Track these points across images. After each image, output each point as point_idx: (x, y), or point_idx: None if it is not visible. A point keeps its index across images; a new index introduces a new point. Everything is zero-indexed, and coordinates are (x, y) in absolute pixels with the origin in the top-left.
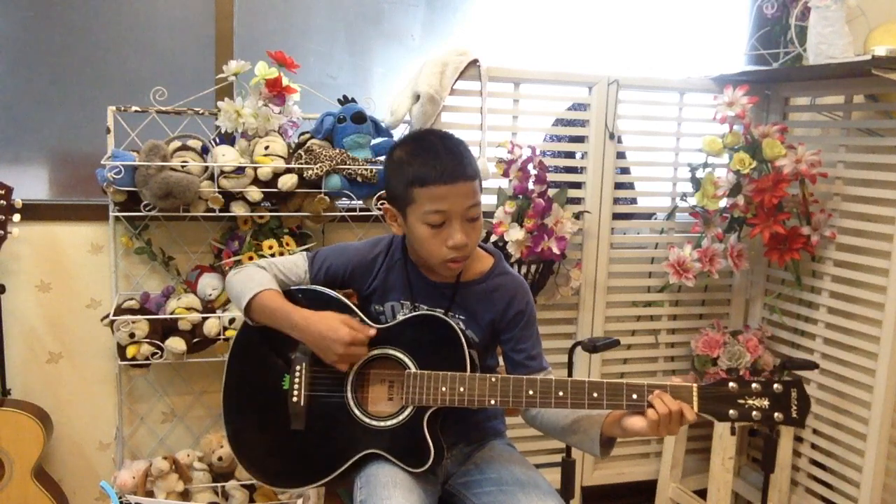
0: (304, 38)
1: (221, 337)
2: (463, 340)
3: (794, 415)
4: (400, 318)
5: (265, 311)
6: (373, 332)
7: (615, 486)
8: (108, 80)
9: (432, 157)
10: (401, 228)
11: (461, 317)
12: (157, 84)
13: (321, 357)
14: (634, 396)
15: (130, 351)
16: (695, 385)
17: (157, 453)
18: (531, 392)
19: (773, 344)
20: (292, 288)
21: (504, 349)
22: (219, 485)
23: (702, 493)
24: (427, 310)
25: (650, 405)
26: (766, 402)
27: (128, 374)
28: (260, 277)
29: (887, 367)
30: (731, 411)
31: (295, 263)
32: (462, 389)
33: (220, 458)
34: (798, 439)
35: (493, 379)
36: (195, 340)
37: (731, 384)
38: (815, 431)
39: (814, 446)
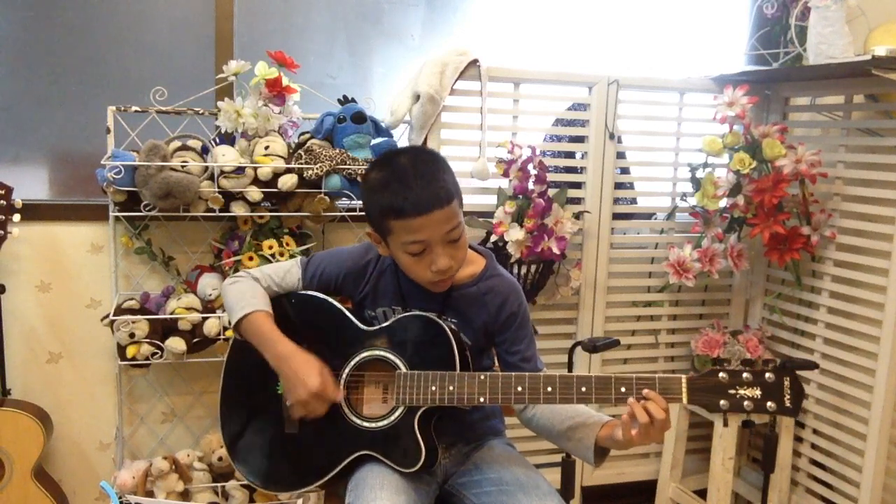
0: (304, 38)
1: (221, 337)
2: (452, 339)
3: (788, 403)
4: (391, 320)
5: (253, 332)
6: (340, 398)
7: (615, 486)
8: (108, 80)
9: (403, 186)
10: (385, 251)
11: (454, 320)
12: (157, 84)
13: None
14: (623, 389)
15: (130, 351)
16: (684, 377)
17: (157, 453)
18: (520, 388)
19: (773, 344)
20: (288, 293)
21: (498, 351)
22: (219, 485)
23: (702, 493)
24: (417, 310)
25: (631, 415)
26: (757, 392)
27: (128, 374)
28: (252, 295)
29: (887, 367)
30: (722, 402)
31: (288, 271)
32: (451, 388)
33: (220, 459)
34: (798, 439)
35: (483, 377)
36: (195, 340)
37: (721, 374)
38: (815, 431)
39: (814, 446)
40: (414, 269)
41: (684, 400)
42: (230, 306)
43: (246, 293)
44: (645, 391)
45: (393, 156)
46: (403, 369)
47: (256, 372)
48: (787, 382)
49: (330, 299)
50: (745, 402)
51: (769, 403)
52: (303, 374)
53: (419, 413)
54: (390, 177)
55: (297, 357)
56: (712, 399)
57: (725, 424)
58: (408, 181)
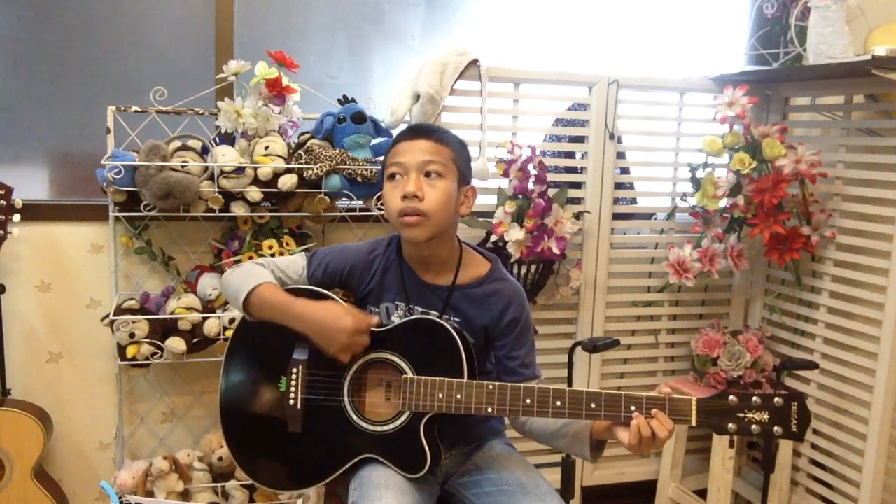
0: (304, 38)
1: (221, 337)
2: (461, 346)
3: (794, 429)
4: (396, 320)
5: (264, 304)
6: (375, 319)
7: (615, 486)
8: (108, 80)
9: (409, 128)
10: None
11: (455, 319)
12: (157, 84)
13: (323, 348)
14: (633, 408)
15: (130, 351)
16: (694, 398)
17: (157, 453)
18: (528, 401)
19: (773, 344)
20: (289, 287)
21: (497, 355)
22: (219, 485)
23: (702, 493)
24: (422, 313)
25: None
26: (765, 416)
27: (128, 374)
28: (258, 272)
29: (887, 367)
30: (731, 425)
31: (293, 262)
32: (459, 396)
33: (220, 458)
34: None
35: (490, 387)
36: (195, 340)
37: (731, 397)
38: (815, 431)
39: (814, 446)
40: (388, 200)
41: (693, 422)
42: (235, 289)
43: (251, 272)
44: (653, 411)
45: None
46: (410, 374)
47: (258, 369)
48: (794, 408)
49: (337, 297)
50: (753, 426)
51: (776, 428)
52: (331, 320)
53: (425, 419)
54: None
55: (317, 309)
56: (721, 422)
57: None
58: (414, 125)
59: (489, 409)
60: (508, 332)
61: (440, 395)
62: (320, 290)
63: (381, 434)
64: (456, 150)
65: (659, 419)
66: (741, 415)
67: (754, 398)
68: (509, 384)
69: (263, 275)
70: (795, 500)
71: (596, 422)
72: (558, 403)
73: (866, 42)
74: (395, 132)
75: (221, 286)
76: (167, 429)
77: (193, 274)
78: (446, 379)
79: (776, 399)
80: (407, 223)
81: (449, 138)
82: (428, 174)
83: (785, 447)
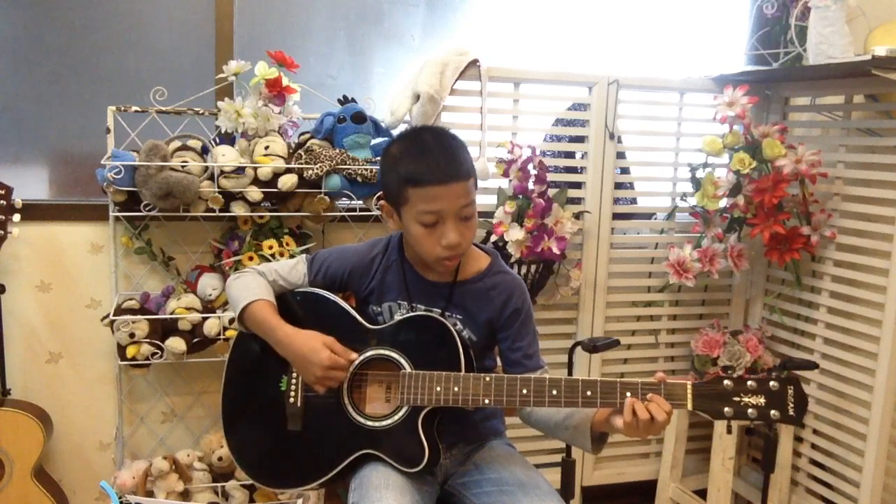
0: (304, 38)
1: (221, 337)
2: (457, 340)
3: (791, 412)
4: (396, 318)
5: (255, 322)
6: (353, 356)
7: (615, 486)
8: (108, 80)
9: (426, 156)
10: (396, 225)
11: (458, 316)
12: (157, 84)
13: (302, 376)
14: (629, 394)
15: (130, 351)
16: (689, 383)
17: (157, 453)
18: (525, 391)
19: (773, 344)
20: (292, 291)
21: (501, 348)
22: (219, 485)
23: (702, 493)
24: (423, 310)
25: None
26: (762, 400)
27: (128, 374)
28: (256, 286)
29: (887, 367)
30: (727, 409)
31: (294, 267)
32: (456, 389)
33: (220, 458)
34: (798, 439)
35: (487, 378)
36: (195, 340)
37: (726, 382)
38: (815, 431)
39: (814, 446)
40: (424, 243)
41: (689, 406)
42: (234, 299)
43: (249, 285)
44: (650, 395)
45: (417, 131)
46: (408, 369)
47: (259, 369)
48: (791, 391)
49: (335, 297)
50: (749, 410)
51: (773, 412)
52: (308, 352)
53: (423, 413)
54: (414, 148)
55: (298, 338)
56: (716, 406)
57: (729, 432)
58: (431, 152)
59: (486, 401)
60: (510, 324)
61: (437, 389)
62: (323, 292)
63: (379, 429)
64: (473, 170)
65: (656, 402)
66: (737, 399)
67: (749, 382)
68: (506, 375)
69: (259, 290)
70: (795, 500)
71: (597, 414)
72: (554, 392)
73: (866, 42)
74: (395, 132)
75: (225, 292)
76: (167, 429)
77: (193, 274)
78: (443, 372)
79: (772, 383)
80: (447, 265)
81: (469, 164)
82: (464, 217)
83: (785, 447)
